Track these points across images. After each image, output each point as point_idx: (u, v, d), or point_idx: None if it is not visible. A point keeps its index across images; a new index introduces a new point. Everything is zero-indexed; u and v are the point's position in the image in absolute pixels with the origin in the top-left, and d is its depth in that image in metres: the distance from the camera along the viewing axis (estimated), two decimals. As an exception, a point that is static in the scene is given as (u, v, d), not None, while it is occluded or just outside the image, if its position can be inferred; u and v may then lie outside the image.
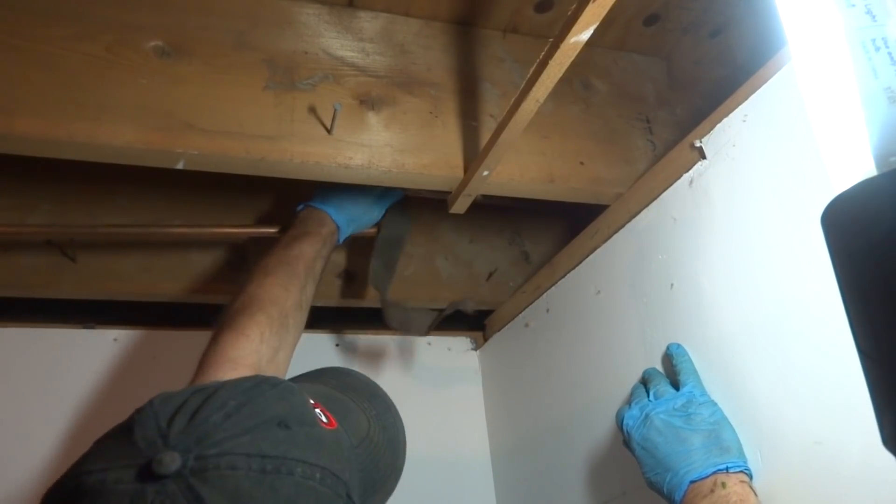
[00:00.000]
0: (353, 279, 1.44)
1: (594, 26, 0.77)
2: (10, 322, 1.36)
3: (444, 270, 1.50)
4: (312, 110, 1.05)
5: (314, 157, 1.03)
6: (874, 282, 0.43)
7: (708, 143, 0.97)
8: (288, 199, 1.40)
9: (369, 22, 1.16)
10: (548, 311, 1.35)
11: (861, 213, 0.45)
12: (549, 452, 1.31)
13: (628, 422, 0.91)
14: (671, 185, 1.03)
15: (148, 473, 0.53)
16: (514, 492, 1.44)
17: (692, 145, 0.99)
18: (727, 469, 0.81)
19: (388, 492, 0.74)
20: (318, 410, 0.66)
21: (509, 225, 1.58)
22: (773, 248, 0.85)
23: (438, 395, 1.56)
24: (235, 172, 1.05)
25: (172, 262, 1.35)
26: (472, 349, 1.64)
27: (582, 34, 0.78)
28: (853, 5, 0.49)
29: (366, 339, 1.57)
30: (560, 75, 0.84)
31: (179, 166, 0.99)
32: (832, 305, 0.65)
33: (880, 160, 0.46)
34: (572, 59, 0.82)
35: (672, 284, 1.01)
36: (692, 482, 0.81)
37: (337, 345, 1.54)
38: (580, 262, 1.25)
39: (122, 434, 0.58)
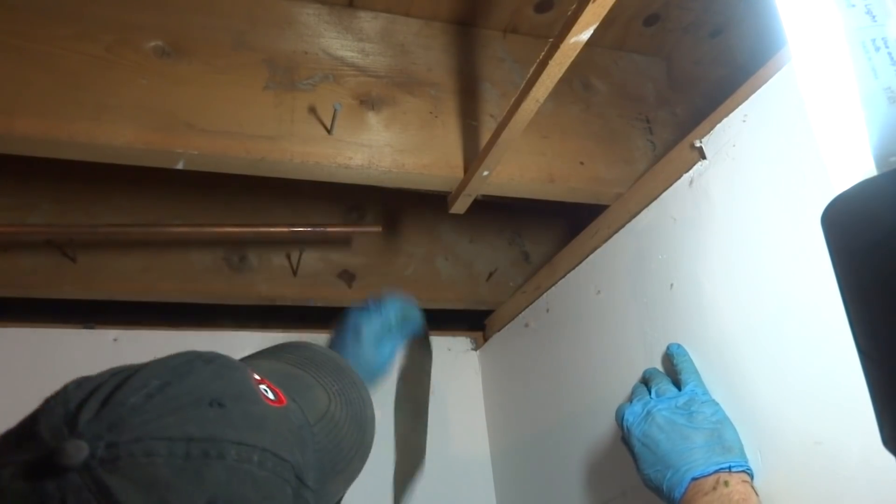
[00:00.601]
0: (353, 279, 1.45)
1: (594, 26, 0.77)
2: (10, 322, 1.36)
3: (444, 270, 1.50)
4: (312, 110, 1.05)
5: (314, 157, 1.03)
6: (874, 282, 0.43)
7: (708, 143, 0.97)
8: (289, 199, 1.40)
9: (369, 22, 1.16)
10: (548, 311, 1.35)
11: (861, 213, 0.45)
12: (549, 452, 1.31)
13: (629, 417, 0.91)
14: (671, 185, 1.03)
15: (49, 466, 0.47)
16: (514, 492, 1.44)
17: (692, 145, 0.99)
18: (730, 468, 0.82)
19: (355, 471, 0.68)
20: (263, 387, 0.59)
21: (509, 225, 1.58)
22: (773, 249, 0.85)
23: (438, 395, 1.56)
24: (235, 172, 1.05)
25: (172, 261, 1.35)
26: (472, 349, 1.64)
27: (582, 34, 0.78)
28: (853, 5, 0.49)
29: (366, 339, 1.56)
30: (560, 75, 0.84)
31: (179, 166, 0.99)
32: (832, 305, 0.65)
33: (880, 160, 0.46)
34: (572, 59, 0.82)
35: (672, 284, 1.01)
36: (693, 479, 0.81)
37: (337, 345, 1.54)
38: (580, 262, 1.25)
39: (27, 423, 0.51)
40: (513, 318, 1.48)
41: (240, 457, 0.51)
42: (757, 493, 0.80)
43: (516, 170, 1.12)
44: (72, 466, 0.47)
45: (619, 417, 0.93)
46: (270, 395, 0.59)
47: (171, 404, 0.51)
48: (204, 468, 0.49)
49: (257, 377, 0.60)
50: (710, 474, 0.81)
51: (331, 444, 0.63)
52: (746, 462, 0.83)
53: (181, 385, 0.53)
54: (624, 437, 0.93)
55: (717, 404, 0.89)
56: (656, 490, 0.86)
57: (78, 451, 0.47)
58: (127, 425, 0.49)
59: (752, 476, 0.83)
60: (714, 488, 0.80)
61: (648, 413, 0.89)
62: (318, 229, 1.34)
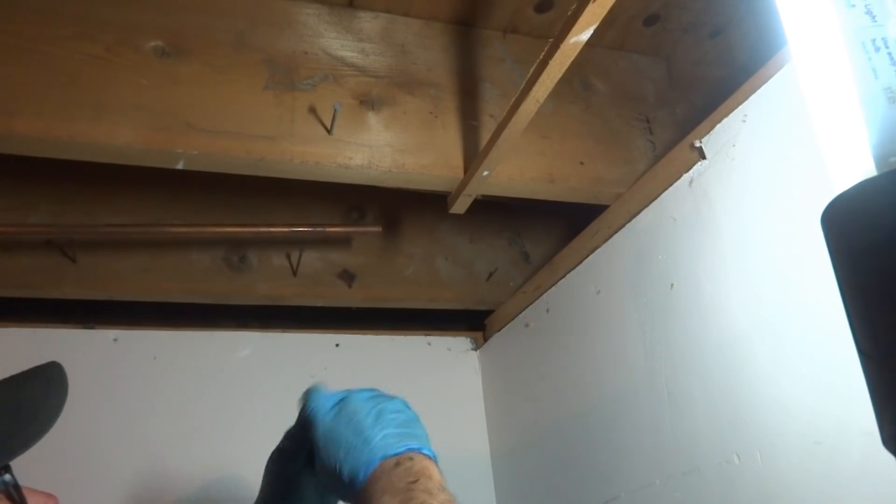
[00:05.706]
0: (353, 279, 1.45)
1: (594, 26, 0.77)
2: (10, 322, 1.36)
3: (444, 270, 1.50)
4: (312, 110, 1.05)
5: (314, 157, 1.03)
6: (874, 282, 0.43)
7: (708, 143, 0.97)
8: (289, 199, 1.40)
9: (369, 22, 1.16)
10: (548, 311, 1.35)
11: (861, 213, 0.45)
12: (549, 452, 1.31)
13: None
14: (671, 185, 1.03)
15: None
16: (514, 492, 1.44)
17: (692, 145, 0.99)
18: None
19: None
20: None
21: (509, 225, 1.58)
22: (773, 249, 0.85)
23: (438, 395, 1.56)
24: (235, 172, 1.05)
25: (172, 262, 1.35)
26: (472, 349, 1.64)
27: (582, 34, 0.78)
28: (853, 5, 0.49)
29: (366, 339, 1.56)
30: (560, 75, 0.84)
31: (179, 166, 0.99)
32: (832, 305, 0.65)
33: (880, 160, 0.46)
34: (572, 59, 0.82)
35: (672, 284, 1.01)
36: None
37: (337, 345, 1.54)
38: (580, 262, 1.25)
39: None
40: (513, 318, 1.48)
41: None
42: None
43: (516, 170, 1.12)
44: None
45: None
46: None
47: None
48: None
49: None
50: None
51: None
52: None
53: None
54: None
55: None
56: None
57: None
58: None
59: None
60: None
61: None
62: (317, 229, 1.34)
